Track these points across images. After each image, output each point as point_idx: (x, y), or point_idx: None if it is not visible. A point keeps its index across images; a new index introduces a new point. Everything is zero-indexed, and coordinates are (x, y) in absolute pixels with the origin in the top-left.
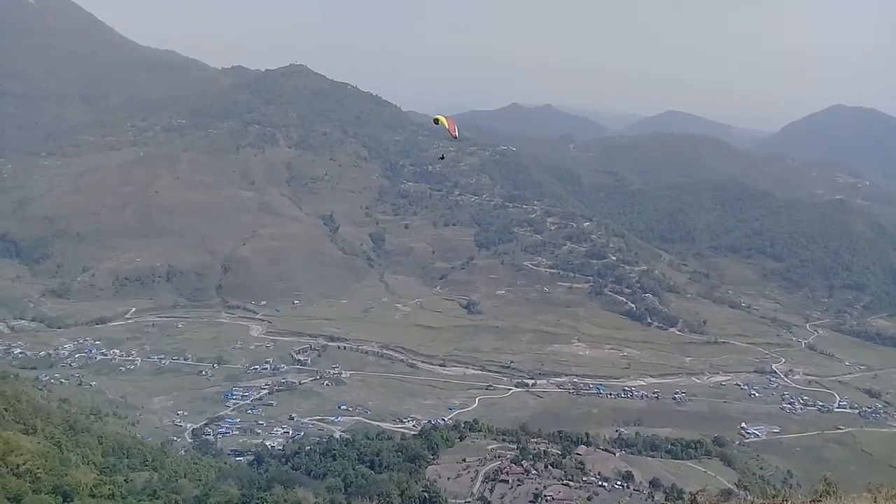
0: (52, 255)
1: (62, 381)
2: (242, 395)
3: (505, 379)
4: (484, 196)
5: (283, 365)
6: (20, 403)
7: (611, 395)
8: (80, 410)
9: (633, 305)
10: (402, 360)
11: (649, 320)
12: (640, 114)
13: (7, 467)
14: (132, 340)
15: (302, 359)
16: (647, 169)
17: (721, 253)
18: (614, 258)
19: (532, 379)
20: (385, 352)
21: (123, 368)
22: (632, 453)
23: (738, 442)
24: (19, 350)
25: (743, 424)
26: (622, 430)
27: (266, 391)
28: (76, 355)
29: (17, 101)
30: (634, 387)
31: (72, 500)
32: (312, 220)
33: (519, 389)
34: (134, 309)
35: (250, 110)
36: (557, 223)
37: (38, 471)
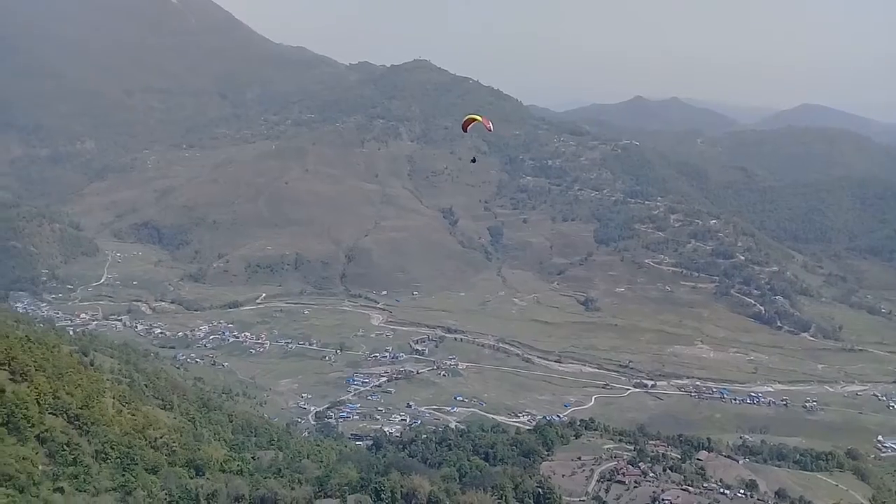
0: (191, 242)
1: (197, 360)
2: (363, 382)
3: (623, 378)
4: (604, 191)
5: (401, 354)
6: (159, 380)
7: (735, 400)
8: (213, 389)
9: (761, 308)
10: (517, 355)
11: (779, 324)
12: (773, 107)
13: (146, 440)
14: (262, 324)
15: (420, 349)
16: (781, 165)
17: (860, 255)
18: (742, 258)
19: (651, 380)
20: (501, 345)
21: (253, 351)
22: (756, 462)
23: (873, 456)
24: (160, 330)
25: (880, 437)
26: (747, 436)
27: (385, 379)
28: (210, 337)
29: (160, 97)
30: (761, 393)
31: (203, 474)
32: (432, 213)
33: (637, 390)
34: (264, 294)
35: (375, 105)
36: (682, 220)
37: (173, 444)
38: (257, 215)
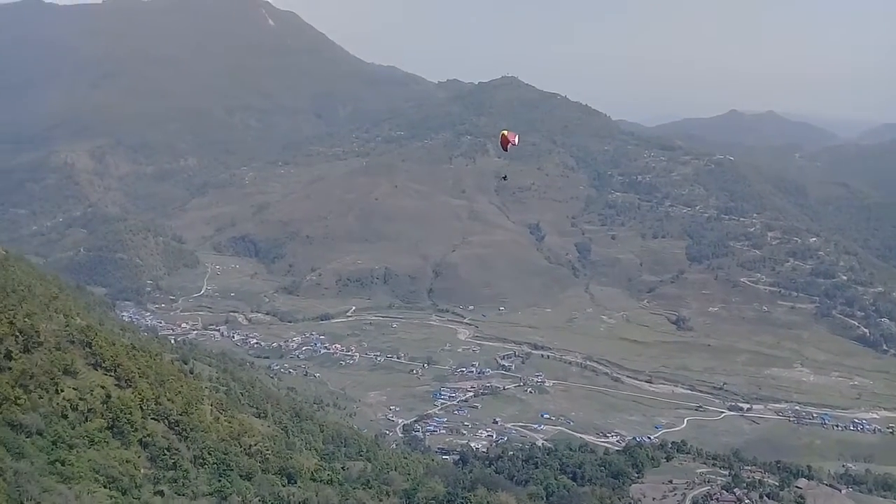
0: (286, 256)
1: (290, 370)
2: (450, 396)
3: (717, 401)
4: (697, 207)
5: (488, 369)
6: (254, 389)
7: (837, 426)
8: (304, 399)
9: (866, 330)
10: (606, 373)
11: (885, 347)
12: (877, 120)
13: (241, 447)
14: (352, 337)
15: (506, 364)
16: (886, 180)
17: None
18: (845, 278)
19: (747, 403)
20: (589, 363)
21: (343, 362)
22: (860, 492)
23: None
24: (255, 340)
25: None
26: (849, 465)
27: (472, 394)
28: (303, 348)
29: (259, 115)
30: (865, 419)
31: (295, 482)
32: (519, 229)
33: (732, 413)
34: (354, 308)
35: (463, 122)
36: (779, 238)
37: (267, 452)
38: (348, 230)
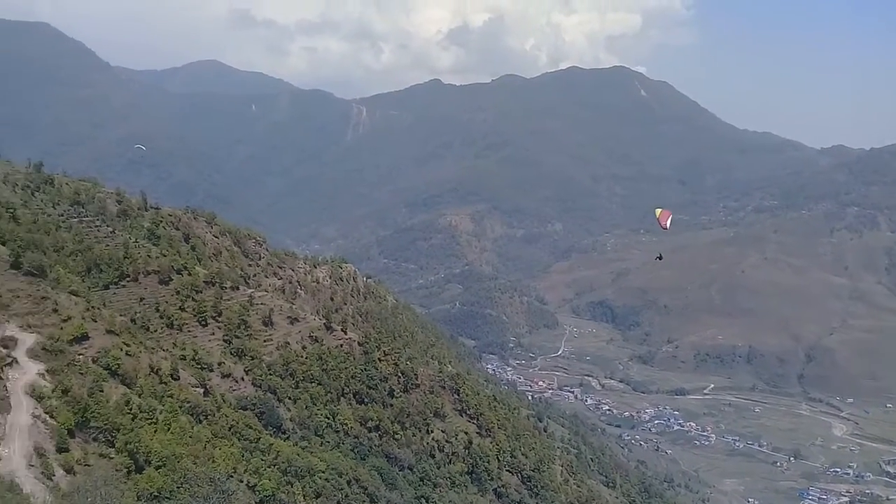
0: (642, 324)
1: (641, 443)
2: (819, 497)
3: None
4: None
5: (868, 473)
6: (604, 456)
7: None
8: (654, 475)
9: None
10: None
11: None
12: None
13: None
14: (708, 416)
15: (892, 471)
16: None
17: None
18: None
19: None
20: None
21: (698, 442)
22: None
23: None
24: (607, 407)
25: None
26: None
27: (846, 499)
28: (655, 421)
29: (624, 183)
30: None
31: None
32: None
33: None
34: (712, 385)
35: (848, 191)
36: None
37: None
38: (709, 302)
